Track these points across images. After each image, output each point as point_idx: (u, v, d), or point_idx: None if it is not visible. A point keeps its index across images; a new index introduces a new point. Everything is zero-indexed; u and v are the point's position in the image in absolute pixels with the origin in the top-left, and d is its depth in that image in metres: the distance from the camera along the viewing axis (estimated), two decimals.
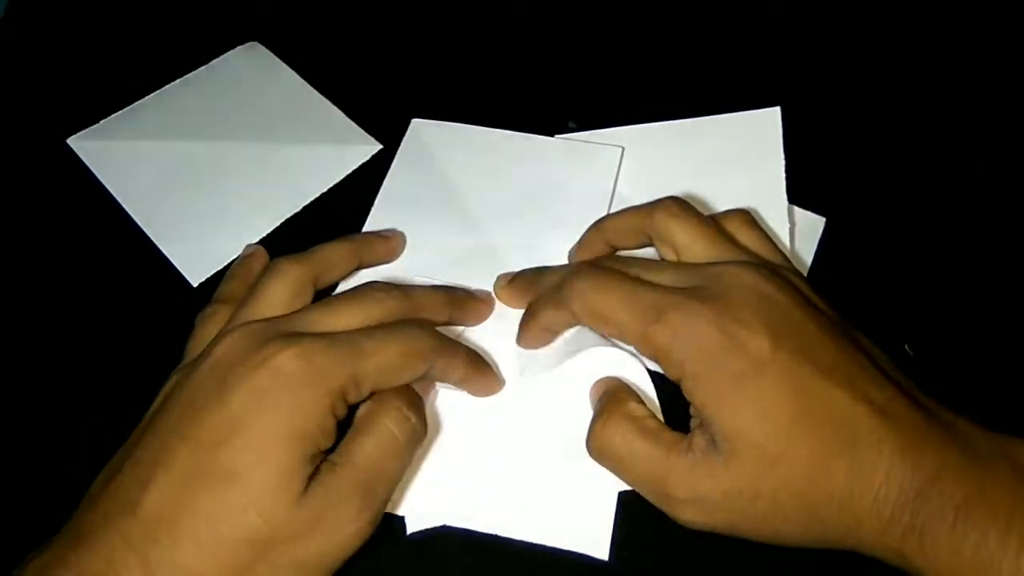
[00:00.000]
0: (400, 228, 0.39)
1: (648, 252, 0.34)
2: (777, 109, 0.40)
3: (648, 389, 0.33)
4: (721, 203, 0.38)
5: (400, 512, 0.31)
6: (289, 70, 0.45)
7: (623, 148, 0.40)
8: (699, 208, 0.38)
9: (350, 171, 0.41)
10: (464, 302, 0.34)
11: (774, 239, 0.34)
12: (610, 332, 0.30)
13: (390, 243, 0.37)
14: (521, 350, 0.34)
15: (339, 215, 0.39)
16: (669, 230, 0.32)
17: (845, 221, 0.39)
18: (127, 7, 0.48)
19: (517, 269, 0.36)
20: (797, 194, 0.38)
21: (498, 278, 0.36)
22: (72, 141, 0.42)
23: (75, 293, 0.38)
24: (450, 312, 0.33)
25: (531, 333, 0.33)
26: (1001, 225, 0.40)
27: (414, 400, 0.29)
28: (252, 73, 0.45)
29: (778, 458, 0.26)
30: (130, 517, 0.24)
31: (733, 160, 0.40)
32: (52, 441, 0.34)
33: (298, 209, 0.40)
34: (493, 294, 0.36)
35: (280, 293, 0.31)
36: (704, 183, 0.39)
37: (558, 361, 0.33)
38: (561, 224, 0.38)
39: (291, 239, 0.39)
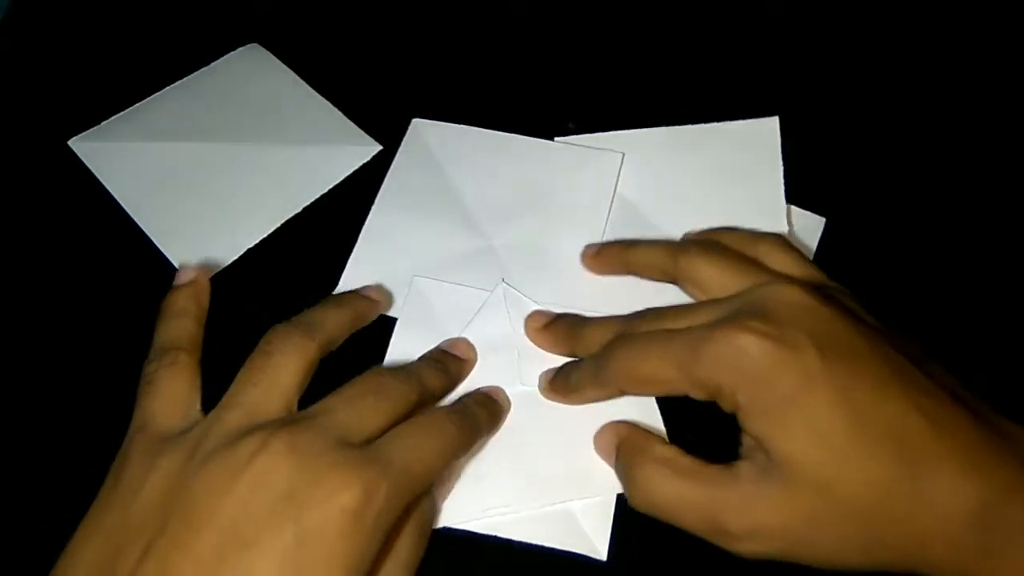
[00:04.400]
0: (400, 229, 0.39)
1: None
2: (775, 119, 0.40)
3: (654, 414, 0.33)
4: (719, 210, 0.38)
5: None
6: (289, 71, 0.45)
7: (623, 154, 0.40)
8: (698, 211, 0.38)
9: (350, 172, 0.41)
10: (459, 371, 0.33)
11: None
12: (661, 391, 0.29)
13: (378, 305, 0.35)
14: (521, 357, 0.34)
15: (339, 216, 0.39)
16: (694, 269, 0.31)
17: (845, 221, 0.39)
18: (127, 9, 0.48)
19: (518, 273, 0.37)
20: (797, 194, 0.38)
21: (529, 319, 0.34)
22: (73, 143, 0.42)
23: (75, 294, 0.38)
24: (451, 384, 0.33)
25: (573, 404, 0.33)
26: (1001, 225, 0.40)
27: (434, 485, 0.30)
28: (252, 75, 0.45)
29: (836, 481, 0.25)
30: None
31: (731, 168, 0.40)
32: (52, 442, 0.34)
33: (298, 210, 0.40)
34: (473, 347, 0.34)
35: (296, 376, 0.27)
36: (702, 190, 0.39)
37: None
38: (561, 227, 0.38)
39: (291, 240, 0.39)
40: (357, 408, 0.27)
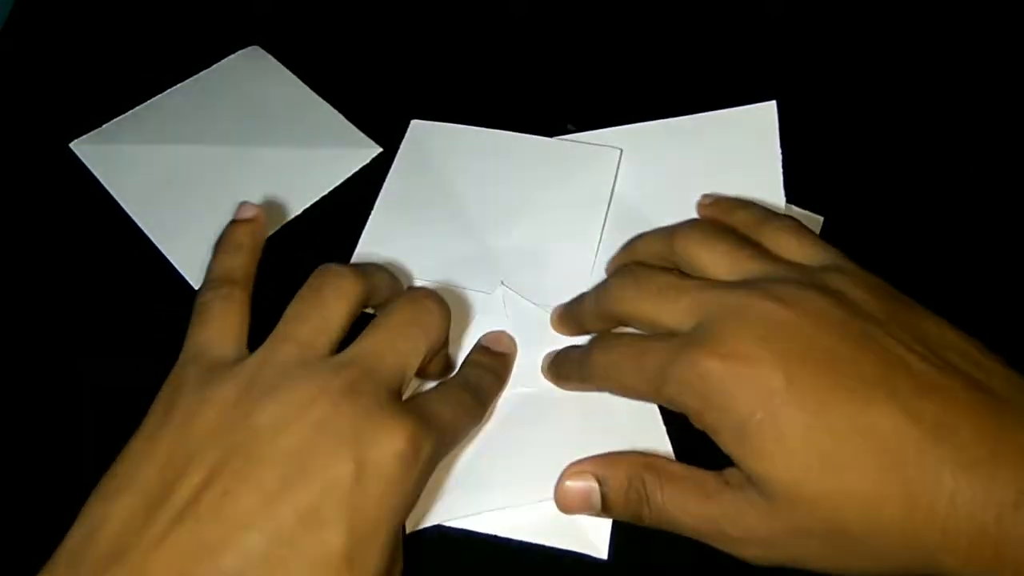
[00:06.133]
0: (400, 230, 0.39)
1: None
2: (773, 103, 0.40)
3: (656, 420, 0.33)
4: None
5: None
6: (289, 73, 0.45)
7: (621, 150, 0.40)
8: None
9: (350, 174, 0.41)
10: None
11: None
12: (635, 398, 0.29)
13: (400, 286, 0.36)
14: (522, 363, 0.35)
15: (339, 218, 0.40)
16: (689, 255, 0.30)
17: (843, 220, 0.39)
18: (129, 12, 0.49)
19: (518, 275, 0.37)
20: (795, 193, 0.38)
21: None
22: (74, 145, 0.42)
23: (77, 295, 0.38)
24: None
25: (569, 391, 0.33)
26: (1001, 223, 0.40)
27: None
28: (252, 77, 0.45)
29: (818, 497, 0.24)
30: None
31: (730, 156, 0.40)
32: (52, 443, 0.35)
33: (299, 212, 0.40)
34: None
35: (344, 313, 0.28)
36: (702, 180, 0.39)
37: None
38: (560, 228, 0.38)
39: (292, 242, 0.39)
40: (400, 351, 0.27)
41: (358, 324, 0.29)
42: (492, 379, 0.33)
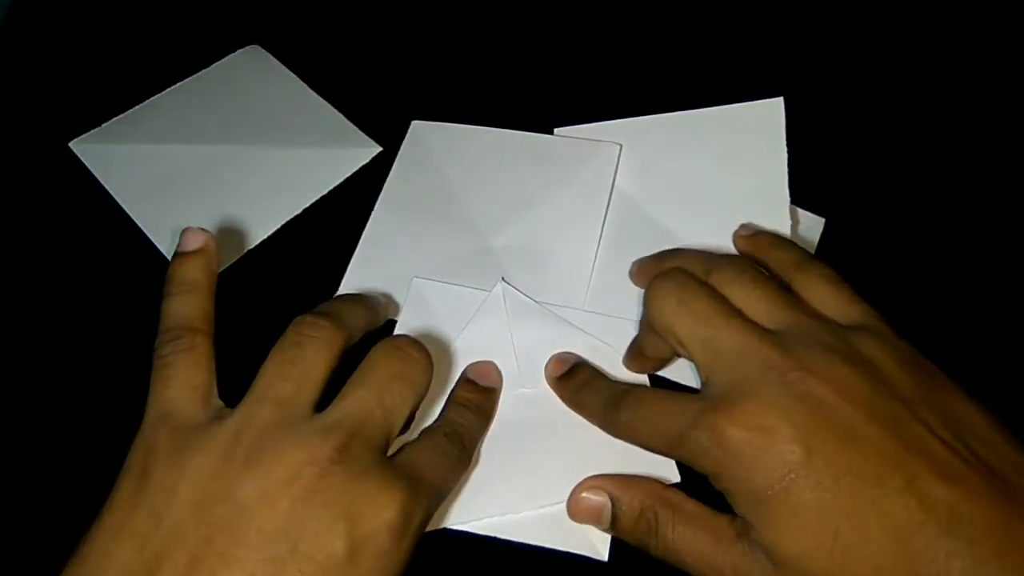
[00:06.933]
0: (401, 230, 0.39)
1: None
2: (780, 100, 0.39)
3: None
4: (722, 197, 0.38)
5: None
6: (289, 73, 0.45)
7: (621, 145, 0.40)
8: (698, 203, 0.38)
9: (350, 173, 0.41)
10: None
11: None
12: (656, 453, 0.29)
13: (386, 309, 0.35)
14: (520, 359, 0.34)
15: (339, 218, 0.40)
16: (724, 288, 0.30)
17: (845, 222, 0.39)
18: (128, 11, 0.48)
19: (518, 273, 0.37)
20: (797, 194, 0.38)
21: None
22: (74, 145, 0.42)
23: (77, 296, 0.38)
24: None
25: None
26: (1001, 226, 0.40)
27: None
28: (252, 76, 0.45)
29: (825, 574, 0.24)
30: None
31: (734, 152, 0.39)
32: (52, 443, 0.34)
33: (299, 212, 0.40)
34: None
35: (325, 368, 0.27)
36: (704, 177, 0.39)
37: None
38: (560, 225, 0.38)
39: (292, 243, 0.39)
40: (387, 408, 0.26)
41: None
42: (478, 422, 0.32)
